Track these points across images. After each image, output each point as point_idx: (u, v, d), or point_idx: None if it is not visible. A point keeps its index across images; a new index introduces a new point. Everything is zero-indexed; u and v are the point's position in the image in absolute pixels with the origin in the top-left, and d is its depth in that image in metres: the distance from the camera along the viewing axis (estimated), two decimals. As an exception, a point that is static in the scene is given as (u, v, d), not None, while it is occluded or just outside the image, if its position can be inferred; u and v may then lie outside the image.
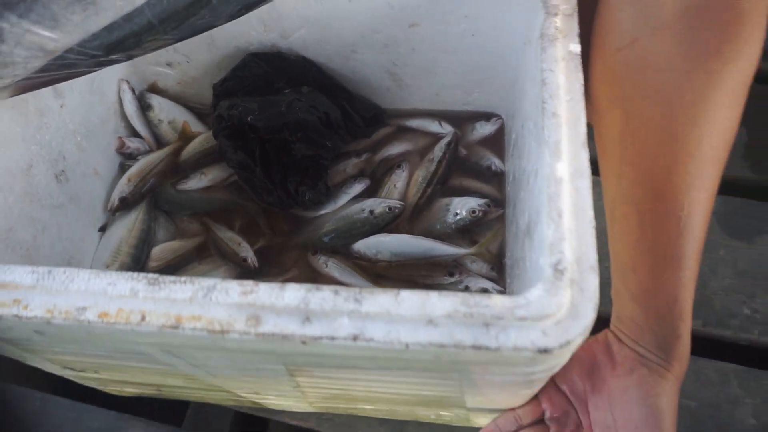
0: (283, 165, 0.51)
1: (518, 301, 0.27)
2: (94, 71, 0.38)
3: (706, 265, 0.60)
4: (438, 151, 0.55)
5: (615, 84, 0.36)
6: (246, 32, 0.50)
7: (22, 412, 0.60)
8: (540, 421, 0.41)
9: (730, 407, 0.55)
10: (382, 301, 0.28)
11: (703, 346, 0.58)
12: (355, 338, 0.28)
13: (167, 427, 0.58)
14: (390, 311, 0.28)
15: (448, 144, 0.55)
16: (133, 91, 0.56)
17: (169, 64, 0.55)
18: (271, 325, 0.28)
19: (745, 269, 0.60)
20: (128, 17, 0.33)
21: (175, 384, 0.45)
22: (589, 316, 0.27)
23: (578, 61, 0.34)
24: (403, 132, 0.57)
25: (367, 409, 0.50)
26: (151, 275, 0.30)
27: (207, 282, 0.29)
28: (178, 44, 0.51)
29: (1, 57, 0.33)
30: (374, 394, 0.43)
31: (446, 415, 0.50)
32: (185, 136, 0.58)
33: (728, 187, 0.61)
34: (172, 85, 0.57)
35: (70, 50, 0.34)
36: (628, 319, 0.39)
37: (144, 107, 0.57)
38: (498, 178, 0.54)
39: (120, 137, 0.56)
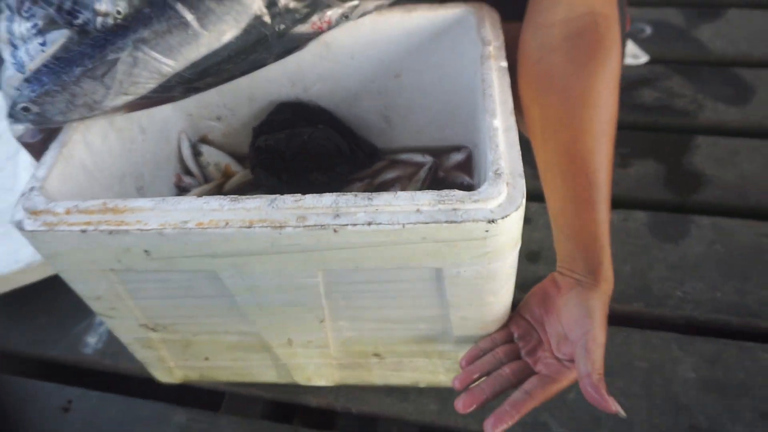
0: (302, 187, 0.68)
1: (473, 192, 0.43)
2: (184, 97, 0.56)
3: (645, 262, 0.75)
4: (422, 174, 0.72)
5: (532, 88, 0.55)
6: (277, 89, 0.69)
7: (83, 407, 0.70)
8: (511, 341, 0.54)
9: (673, 365, 0.66)
10: (386, 198, 0.43)
11: (650, 321, 0.71)
12: (369, 224, 0.42)
13: (206, 412, 0.69)
14: (391, 203, 0.43)
15: (430, 168, 0.72)
16: (189, 140, 0.74)
17: (218, 118, 0.73)
18: (312, 220, 0.43)
19: (674, 264, 0.75)
20: (215, 52, 0.52)
21: (227, 342, 0.58)
22: (518, 201, 0.43)
23: (506, 71, 0.53)
24: (395, 163, 0.74)
25: (374, 368, 0.62)
26: (232, 196, 0.45)
27: (269, 196, 0.44)
28: (227, 100, 0.71)
29: (134, 77, 0.51)
30: (381, 331, 0.56)
31: (441, 371, 0.62)
32: (227, 175, 0.74)
33: (658, 205, 0.79)
34: (218, 137, 0.76)
35: (174, 75, 0.52)
36: (565, 256, 0.53)
37: (196, 153, 0.74)
38: (470, 189, 0.71)
39: (177, 174, 0.73)
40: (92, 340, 0.76)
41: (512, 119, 0.48)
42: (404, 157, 0.74)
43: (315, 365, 0.62)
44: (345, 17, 0.54)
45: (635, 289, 0.73)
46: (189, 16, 0.48)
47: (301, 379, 0.65)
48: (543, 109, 0.54)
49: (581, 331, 0.48)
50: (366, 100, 0.70)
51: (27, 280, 0.78)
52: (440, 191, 0.43)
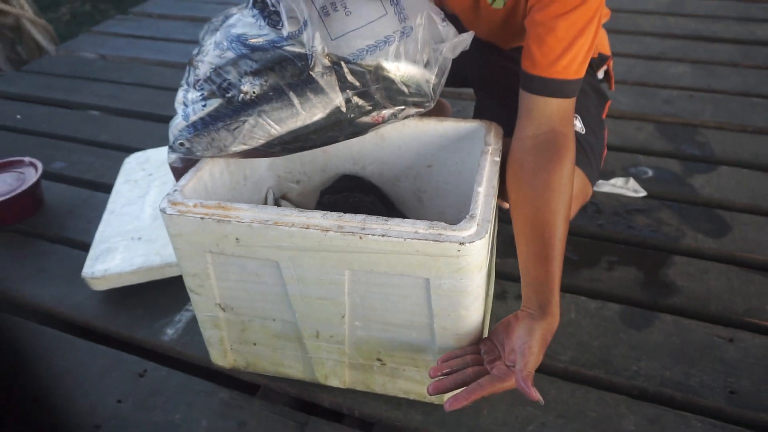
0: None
1: (453, 225, 0.65)
2: (280, 155, 0.83)
3: (611, 341, 0.91)
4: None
5: (511, 178, 0.78)
6: (343, 164, 0.96)
7: (154, 376, 0.91)
8: (478, 353, 0.73)
9: (618, 419, 0.81)
10: (396, 221, 0.66)
11: (607, 384, 0.86)
12: (383, 235, 0.65)
13: (244, 395, 0.88)
14: (399, 225, 0.66)
15: (446, 239, 0.94)
16: (274, 195, 1.01)
17: (297, 182, 1.00)
18: (347, 229, 0.66)
19: (635, 345, 0.90)
20: (306, 126, 0.79)
21: (272, 330, 0.79)
22: (482, 234, 0.64)
23: (496, 163, 0.77)
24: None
25: (376, 374, 0.80)
26: (300, 209, 0.69)
27: (324, 212, 0.68)
28: (306, 169, 0.98)
29: (252, 134, 0.78)
30: (384, 333, 0.75)
31: (426, 383, 0.79)
32: (295, 223, 1.00)
33: (631, 302, 0.97)
34: (295, 196, 1.02)
35: (278, 137, 0.79)
36: (525, 298, 0.73)
37: (277, 206, 1.01)
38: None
39: (261, 216, 0.98)
40: (170, 331, 0.99)
41: (491, 190, 0.71)
42: (428, 229, 0.97)
43: (333, 362, 0.82)
44: (394, 116, 0.81)
45: (599, 359, 0.89)
46: (295, 101, 0.76)
47: (320, 376, 0.84)
48: (516, 192, 0.77)
49: (521, 343, 0.67)
50: (404, 182, 0.95)
51: (135, 281, 1.04)
52: (432, 222, 0.66)
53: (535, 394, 0.63)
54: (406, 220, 0.66)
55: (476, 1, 0.88)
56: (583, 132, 0.94)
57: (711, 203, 1.18)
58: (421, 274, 0.68)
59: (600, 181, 1.24)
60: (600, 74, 1.08)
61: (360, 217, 0.67)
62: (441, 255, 0.65)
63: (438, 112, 1.21)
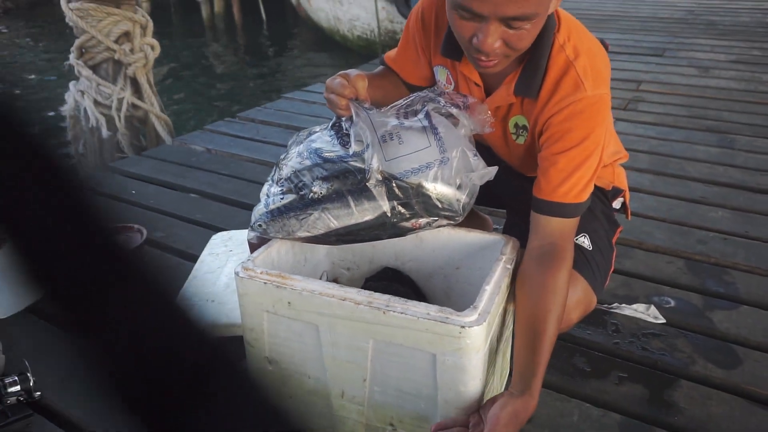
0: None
1: (460, 312, 0.81)
2: (335, 244, 1.03)
3: None
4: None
5: (517, 282, 0.94)
6: (386, 259, 1.15)
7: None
8: (466, 425, 0.85)
9: None
10: (413, 303, 0.83)
11: None
12: (402, 312, 0.82)
13: None
14: (416, 306, 0.82)
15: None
16: (327, 277, 1.20)
17: (348, 269, 1.19)
18: (375, 304, 0.84)
19: None
20: (357, 224, 0.99)
21: (307, 386, 0.95)
22: (482, 322, 0.80)
23: (507, 269, 0.93)
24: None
25: (387, 429, 0.93)
26: (340, 285, 0.88)
27: (358, 289, 0.86)
28: (356, 259, 1.17)
29: (315, 225, 0.99)
30: (397, 399, 0.89)
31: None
32: (341, 303, 1.18)
33: (633, 415, 1.06)
34: (345, 281, 1.21)
35: (334, 229, 1.00)
36: (513, 381, 0.86)
37: (328, 286, 1.19)
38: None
39: (313, 293, 1.17)
40: (224, 381, 1.16)
41: (497, 288, 0.87)
42: (453, 322, 1.12)
43: (352, 421, 0.96)
44: (429, 225, 0.99)
45: (593, 461, 0.97)
46: (352, 203, 0.96)
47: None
48: (520, 292, 0.93)
49: (491, 415, 0.80)
50: (436, 280, 1.12)
51: (203, 334, 1.24)
52: (442, 307, 0.82)
53: None
54: (421, 303, 0.83)
55: (505, 138, 1.09)
56: (590, 249, 1.09)
57: (727, 338, 1.26)
58: (429, 349, 0.83)
59: (623, 305, 1.35)
60: (616, 204, 1.23)
61: (386, 296, 0.85)
62: (445, 334, 0.81)
63: (480, 225, 1.40)
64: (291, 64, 6.92)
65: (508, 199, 1.24)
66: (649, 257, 1.56)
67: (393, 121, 0.95)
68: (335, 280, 1.22)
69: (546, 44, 0.98)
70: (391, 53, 1.26)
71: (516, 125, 1.09)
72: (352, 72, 1.02)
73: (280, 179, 1.00)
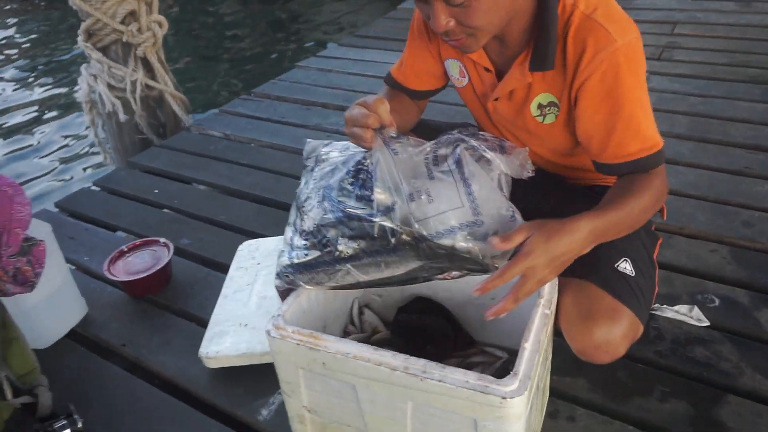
0: (419, 353, 1.06)
1: (499, 380, 0.78)
2: (362, 289, 0.99)
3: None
4: (498, 364, 1.06)
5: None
6: (419, 289, 1.11)
7: None
8: None
9: None
10: (451, 370, 0.80)
11: None
12: (439, 380, 0.79)
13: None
14: (454, 374, 0.79)
15: (504, 362, 1.06)
16: (359, 304, 1.18)
17: (380, 296, 1.17)
18: (411, 371, 0.81)
19: None
20: (388, 279, 0.95)
21: None
22: (523, 392, 0.77)
23: (546, 316, 0.89)
24: (483, 352, 1.10)
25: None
26: (375, 347, 0.85)
27: (394, 352, 0.84)
28: (388, 288, 1.14)
29: (342, 279, 0.95)
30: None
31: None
32: (375, 332, 1.16)
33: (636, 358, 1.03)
34: (376, 307, 1.18)
35: (362, 282, 0.96)
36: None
37: (360, 313, 1.17)
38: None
39: (346, 323, 1.16)
40: (265, 412, 1.17)
41: (536, 345, 0.84)
42: (489, 349, 1.10)
43: (393, 467, 0.96)
44: (459, 276, 0.94)
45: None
46: (381, 263, 0.91)
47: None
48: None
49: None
50: (470, 309, 1.09)
51: (239, 363, 1.24)
52: (480, 374, 0.79)
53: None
54: (459, 369, 0.80)
55: (527, 127, 1.09)
56: (633, 275, 1.04)
57: (776, 341, 1.22)
58: (470, 414, 0.81)
59: (665, 306, 1.30)
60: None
61: (423, 361, 0.82)
62: (486, 404, 0.78)
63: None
64: (302, 6, 6.69)
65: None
66: (690, 245, 1.50)
67: (422, 169, 0.88)
68: (367, 306, 1.20)
69: (552, 10, 0.95)
70: (394, 68, 1.25)
71: (539, 105, 1.06)
72: (371, 98, 0.95)
73: (303, 231, 0.96)
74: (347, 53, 3.06)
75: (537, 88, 1.04)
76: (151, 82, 2.88)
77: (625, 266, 1.04)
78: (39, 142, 3.83)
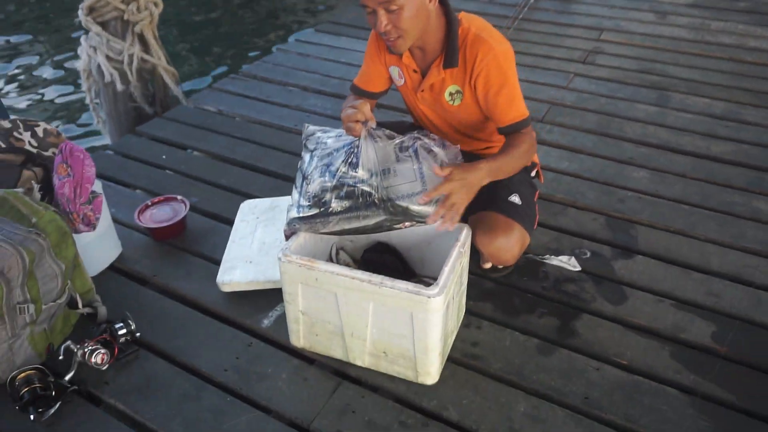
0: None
1: (427, 288, 1.28)
2: (340, 235, 1.48)
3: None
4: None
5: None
6: (379, 236, 1.61)
7: (257, 348, 1.59)
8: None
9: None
10: (398, 282, 1.30)
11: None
12: (391, 287, 1.29)
13: (305, 363, 1.54)
14: (399, 284, 1.29)
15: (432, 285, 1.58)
16: (336, 247, 1.66)
17: (351, 241, 1.65)
18: (374, 281, 1.31)
19: (541, 366, 1.51)
20: (363, 227, 1.43)
21: (328, 328, 1.43)
22: (440, 294, 1.27)
23: (461, 253, 1.40)
24: (421, 280, 1.61)
25: (381, 359, 1.44)
26: (351, 268, 1.34)
27: (363, 272, 1.33)
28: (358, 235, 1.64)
29: (333, 226, 1.43)
30: (388, 338, 1.38)
31: (409, 372, 1.42)
32: (348, 266, 1.65)
33: (528, 290, 1.58)
34: (348, 249, 1.67)
35: (346, 230, 1.44)
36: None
37: (336, 254, 1.66)
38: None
39: (328, 260, 1.65)
40: (266, 321, 1.66)
41: (452, 269, 1.34)
42: (425, 279, 1.61)
43: (358, 350, 1.46)
44: (410, 226, 1.43)
45: (516, 373, 1.50)
46: (360, 215, 1.39)
47: (351, 357, 1.49)
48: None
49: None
50: (414, 251, 1.59)
51: (246, 288, 1.72)
52: (416, 284, 1.29)
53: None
54: (403, 282, 1.30)
55: (443, 107, 1.66)
56: (520, 203, 1.63)
57: (621, 281, 1.77)
58: (408, 309, 1.31)
59: (552, 256, 1.83)
60: (533, 173, 1.80)
61: (380, 276, 1.32)
62: (418, 302, 1.29)
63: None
64: None
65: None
66: (579, 214, 2.03)
67: (391, 155, 1.37)
68: (342, 249, 1.69)
69: (454, 32, 1.52)
70: (356, 79, 1.81)
71: (450, 93, 1.62)
72: (356, 102, 1.43)
73: (308, 194, 1.43)
74: (323, 39, 3.48)
75: (448, 81, 1.60)
76: (146, 57, 3.23)
77: (515, 199, 1.63)
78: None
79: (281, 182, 2.24)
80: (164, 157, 2.43)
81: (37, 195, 1.61)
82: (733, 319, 1.62)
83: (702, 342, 1.56)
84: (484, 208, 1.61)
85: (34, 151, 1.72)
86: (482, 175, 1.41)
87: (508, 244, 1.61)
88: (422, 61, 1.62)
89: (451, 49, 1.53)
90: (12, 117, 1.83)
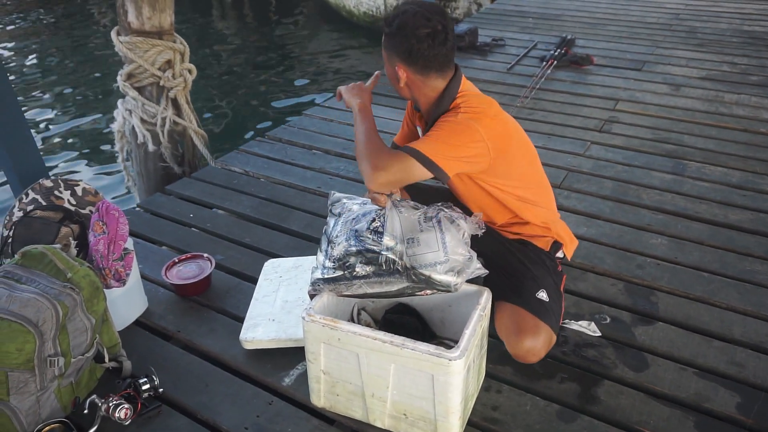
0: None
1: (449, 351, 1.30)
2: (367, 298, 1.51)
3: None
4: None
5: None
6: (401, 298, 1.64)
7: (276, 406, 1.59)
8: None
9: None
10: (419, 344, 1.32)
11: None
12: (412, 349, 1.31)
13: (326, 424, 1.54)
14: (421, 346, 1.31)
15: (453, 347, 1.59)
16: (357, 307, 1.69)
17: (372, 302, 1.68)
18: (396, 343, 1.33)
19: None
20: (385, 292, 1.47)
21: (349, 389, 1.44)
22: (462, 357, 1.29)
23: (482, 316, 1.42)
24: (441, 342, 1.62)
25: (401, 422, 1.43)
26: (372, 329, 1.36)
27: (385, 333, 1.35)
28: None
29: (356, 290, 1.47)
30: (408, 399, 1.39)
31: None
32: (369, 327, 1.67)
33: (549, 355, 1.58)
34: (369, 310, 1.70)
35: (368, 293, 1.48)
36: None
37: (358, 314, 1.69)
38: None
39: (349, 320, 1.67)
40: (287, 380, 1.67)
41: (474, 331, 1.36)
42: (445, 340, 1.62)
43: (378, 411, 1.46)
44: (431, 293, 1.46)
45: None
46: (382, 281, 1.44)
47: (371, 419, 1.49)
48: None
49: None
50: (435, 313, 1.62)
51: (269, 346, 1.74)
52: (437, 346, 1.31)
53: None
54: (424, 343, 1.32)
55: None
56: (548, 301, 1.59)
57: (642, 347, 1.76)
58: (429, 371, 1.33)
59: (572, 321, 1.84)
60: (559, 254, 1.74)
61: (402, 338, 1.34)
62: (439, 364, 1.30)
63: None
64: (296, 37, 7.31)
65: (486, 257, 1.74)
66: (597, 280, 2.05)
67: (416, 225, 1.42)
68: (363, 309, 1.72)
69: (449, 102, 1.57)
70: (397, 137, 1.92)
71: None
72: None
73: (332, 257, 1.48)
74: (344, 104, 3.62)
75: None
76: (179, 120, 3.39)
77: (543, 295, 1.59)
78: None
79: (304, 242, 2.29)
80: (191, 215, 2.51)
81: (74, 251, 1.68)
82: (758, 390, 1.60)
83: (727, 412, 1.54)
84: (510, 298, 1.62)
85: (73, 208, 1.81)
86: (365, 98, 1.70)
87: (536, 348, 1.56)
88: (425, 125, 1.71)
89: (432, 120, 1.60)
90: (53, 176, 1.93)
